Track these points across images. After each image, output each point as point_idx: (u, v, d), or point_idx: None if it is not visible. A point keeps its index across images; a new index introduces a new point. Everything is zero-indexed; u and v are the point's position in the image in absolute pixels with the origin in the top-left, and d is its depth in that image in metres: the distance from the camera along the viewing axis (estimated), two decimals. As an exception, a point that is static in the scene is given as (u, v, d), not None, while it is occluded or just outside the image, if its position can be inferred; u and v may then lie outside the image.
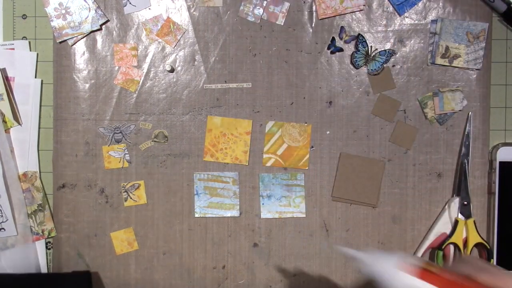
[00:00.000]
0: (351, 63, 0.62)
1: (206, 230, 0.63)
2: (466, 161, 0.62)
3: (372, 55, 0.62)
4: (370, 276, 0.37)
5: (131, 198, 0.63)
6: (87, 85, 0.63)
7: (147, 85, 0.63)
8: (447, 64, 0.62)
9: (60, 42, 0.62)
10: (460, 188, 0.62)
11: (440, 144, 0.62)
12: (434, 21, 0.62)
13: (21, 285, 0.54)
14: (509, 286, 0.34)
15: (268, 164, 0.63)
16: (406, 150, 0.63)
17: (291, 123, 0.63)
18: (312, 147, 0.63)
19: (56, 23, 0.62)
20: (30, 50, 0.63)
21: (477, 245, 0.61)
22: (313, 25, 0.62)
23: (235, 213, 0.63)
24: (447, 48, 0.62)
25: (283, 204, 0.63)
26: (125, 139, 0.63)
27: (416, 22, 0.62)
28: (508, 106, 0.63)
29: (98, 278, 0.63)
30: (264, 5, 0.62)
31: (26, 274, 0.55)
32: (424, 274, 0.34)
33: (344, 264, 0.63)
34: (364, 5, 0.62)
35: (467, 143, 0.62)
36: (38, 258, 0.63)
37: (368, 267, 0.37)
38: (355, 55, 0.62)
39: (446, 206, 0.62)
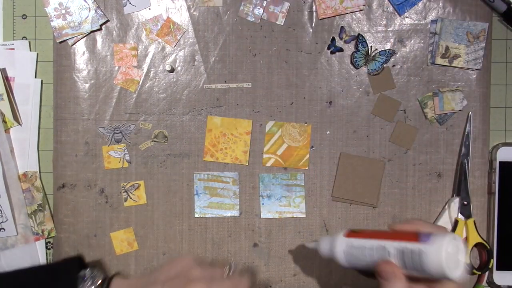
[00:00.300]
0: (351, 63, 0.62)
1: (206, 230, 0.63)
2: (466, 161, 0.62)
3: (372, 55, 0.62)
4: (325, 256, 0.47)
5: (131, 198, 0.63)
6: (87, 85, 0.63)
7: (147, 85, 0.63)
8: (447, 64, 0.62)
9: (60, 42, 0.62)
10: (460, 188, 0.62)
11: (440, 144, 0.62)
12: (434, 21, 0.62)
13: (14, 281, 0.52)
14: (418, 227, 0.43)
15: (268, 164, 0.63)
16: (406, 150, 0.63)
17: (291, 123, 0.63)
18: (312, 147, 0.63)
19: (56, 23, 0.62)
20: (30, 50, 0.63)
21: (477, 245, 0.61)
22: (313, 25, 0.62)
23: (235, 213, 0.63)
24: (447, 48, 0.62)
25: (283, 204, 0.63)
26: (125, 139, 0.63)
27: (416, 22, 0.62)
28: (508, 106, 0.63)
29: (98, 278, 0.63)
30: (264, 5, 0.62)
31: (18, 269, 0.53)
32: (353, 234, 0.45)
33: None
34: (364, 5, 0.62)
35: (467, 143, 0.62)
36: (38, 258, 0.63)
37: (323, 250, 0.48)
38: (355, 55, 0.62)
39: (446, 206, 0.62)
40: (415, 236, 0.41)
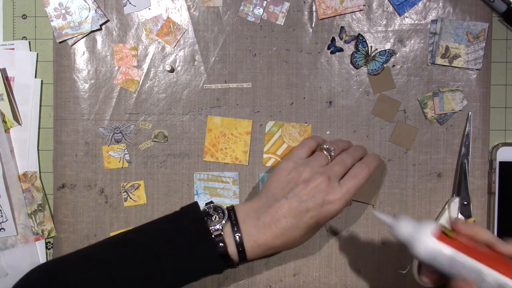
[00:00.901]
0: (351, 63, 0.62)
1: (206, 230, 0.63)
2: (466, 161, 0.62)
3: (372, 55, 0.62)
4: (396, 236, 0.42)
5: (131, 198, 0.63)
6: (87, 85, 0.63)
7: (147, 85, 0.63)
8: (447, 64, 0.62)
9: (60, 42, 0.62)
10: (460, 188, 0.62)
11: (440, 144, 0.62)
12: (434, 21, 0.62)
13: (149, 227, 0.53)
14: None
15: (268, 164, 0.63)
16: (406, 150, 0.63)
17: (291, 123, 0.63)
18: (312, 147, 0.63)
19: (56, 23, 0.62)
20: (30, 50, 0.63)
21: (477, 245, 0.61)
22: (313, 25, 0.62)
23: (235, 213, 0.63)
24: (447, 48, 0.62)
25: (283, 204, 0.63)
26: (125, 139, 0.63)
27: (416, 22, 0.62)
28: (508, 106, 0.63)
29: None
30: (264, 5, 0.62)
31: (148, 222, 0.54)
32: (446, 238, 0.37)
33: (344, 264, 0.63)
34: (364, 5, 0.62)
35: (467, 143, 0.62)
36: (38, 258, 0.63)
37: (400, 233, 0.40)
38: (355, 55, 0.62)
39: (446, 206, 0.62)
40: None
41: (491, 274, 0.33)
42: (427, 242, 0.38)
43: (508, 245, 0.37)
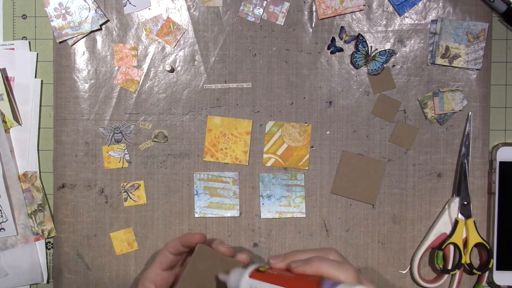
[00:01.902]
0: (351, 63, 0.62)
1: (206, 230, 0.63)
2: (466, 161, 0.62)
3: (372, 55, 0.62)
4: None
5: (131, 198, 0.63)
6: (87, 85, 0.63)
7: (147, 85, 0.63)
8: (447, 64, 0.62)
9: (60, 42, 0.62)
10: (460, 188, 0.62)
11: (440, 144, 0.62)
12: (434, 21, 0.62)
13: None
14: (321, 270, 0.40)
15: (268, 164, 0.63)
16: (406, 150, 0.63)
17: (291, 123, 0.63)
18: (312, 147, 0.63)
19: (56, 23, 0.62)
20: (30, 50, 0.63)
21: (477, 245, 0.61)
22: (313, 25, 0.62)
23: (235, 213, 0.63)
24: (447, 48, 0.62)
25: (283, 204, 0.63)
26: (125, 139, 0.63)
27: (416, 22, 0.62)
28: (508, 106, 0.63)
29: (97, 279, 0.63)
30: (264, 5, 0.62)
31: None
32: (258, 274, 0.43)
33: (344, 264, 0.63)
34: (364, 5, 0.62)
35: (467, 143, 0.62)
36: (39, 258, 0.63)
37: (231, 283, 0.45)
38: (355, 55, 0.62)
39: (446, 206, 0.62)
40: (317, 283, 0.38)
41: None
42: (245, 283, 0.43)
43: (301, 266, 0.41)
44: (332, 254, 0.43)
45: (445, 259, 0.62)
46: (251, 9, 0.62)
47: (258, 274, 0.43)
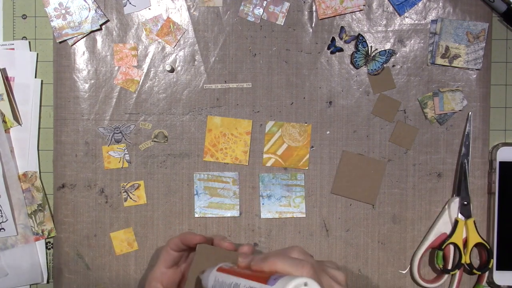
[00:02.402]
0: (351, 63, 0.62)
1: (206, 230, 0.63)
2: (466, 161, 0.62)
3: (372, 55, 0.62)
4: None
5: (131, 198, 0.63)
6: (87, 85, 0.63)
7: (147, 85, 0.63)
8: (447, 64, 0.62)
9: (60, 42, 0.62)
10: (460, 188, 0.62)
11: (440, 144, 0.62)
12: (434, 21, 0.62)
13: None
14: (275, 266, 0.41)
15: (268, 164, 0.63)
16: (406, 150, 0.63)
17: (291, 123, 0.63)
18: (312, 147, 0.63)
19: (56, 23, 0.62)
20: (30, 50, 0.63)
21: (477, 245, 0.61)
22: (313, 25, 0.62)
23: (235, 213, 0.63)
24: (447, 48, 0.62)
25: (283, 204, 0.63)
26: (125, 139, 0.63)
27: (416, 22, 0.62)
28: (508, 106, 0.63)
29: (97, 279, 0.63)
30: (264, 5, 0.62)
31: None
32: (224, 269, 0.45)
33: (343, 264, 0.63)
34: (364, 5, 0.62)
35: (467, 143, 0.62)
36: (38, 258, 0.63)
37: (203, 281, 0.47)
38: (355, 55, 0.62)
39: (446, 206, 0.62)
40: (267, 277, 0.40)
41: (242, 281, 0.42)
42: (212, 277, 0.46)
43: (258, 263, 0.43)
44: (295, 252, 0.44)
45: (445, 259, 0.62)
46: (251, 9, 0.62)
47: (224, 269, 0.46)
